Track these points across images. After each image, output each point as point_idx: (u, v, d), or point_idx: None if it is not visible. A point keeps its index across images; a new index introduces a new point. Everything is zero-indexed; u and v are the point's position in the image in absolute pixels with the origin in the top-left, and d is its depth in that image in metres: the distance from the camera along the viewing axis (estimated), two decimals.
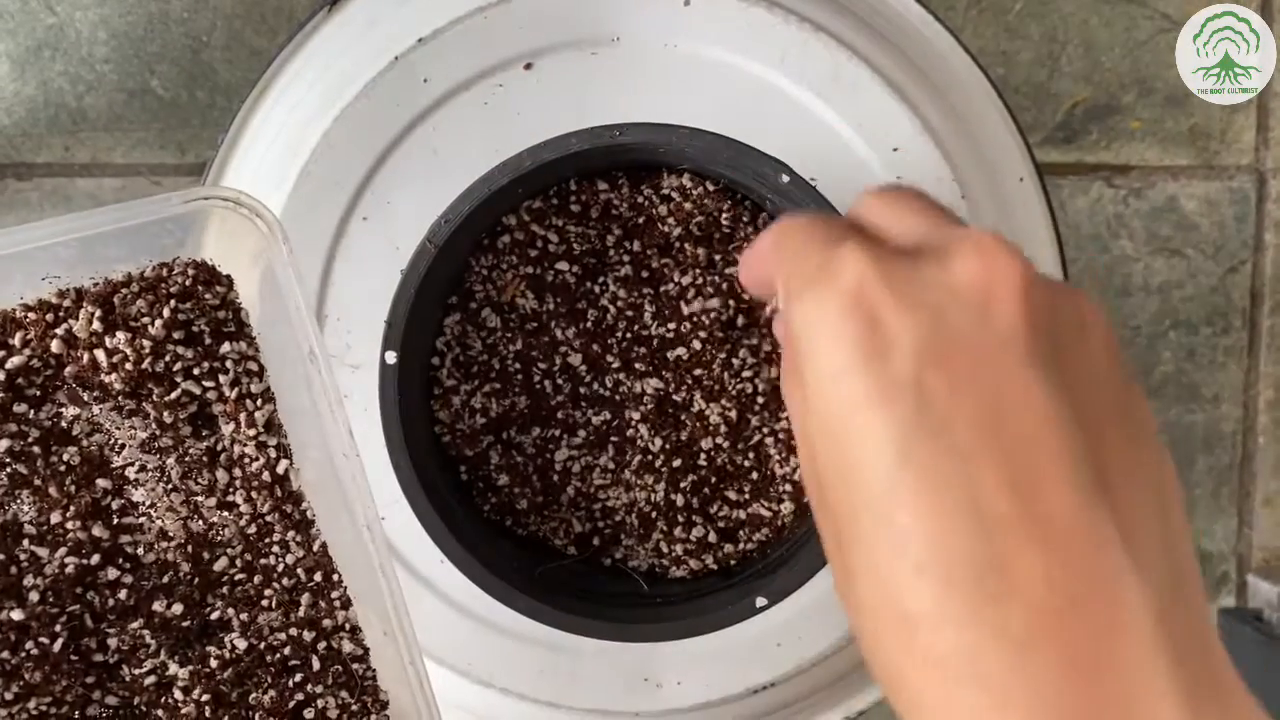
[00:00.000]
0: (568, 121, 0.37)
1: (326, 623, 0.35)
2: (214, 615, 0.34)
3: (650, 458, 0.41)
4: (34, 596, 0.33)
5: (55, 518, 0.33)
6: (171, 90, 0.54)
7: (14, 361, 0.33)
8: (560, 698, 0.40)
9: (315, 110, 0.40)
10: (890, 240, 0.24)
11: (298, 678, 0.34)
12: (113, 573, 0.34)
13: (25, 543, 0.33)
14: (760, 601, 0.37)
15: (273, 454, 0.34)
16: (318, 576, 0.35)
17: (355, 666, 0.35)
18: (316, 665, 0.34)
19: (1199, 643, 0.21)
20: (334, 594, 0.35)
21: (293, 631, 0.34)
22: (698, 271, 0.40)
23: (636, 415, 0.41)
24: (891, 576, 0.20)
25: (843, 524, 0.22)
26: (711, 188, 0.40)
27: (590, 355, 0.41)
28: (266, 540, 0.34)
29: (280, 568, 0.35)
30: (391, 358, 0.37)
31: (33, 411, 0.33)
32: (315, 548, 0.35)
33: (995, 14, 0.56)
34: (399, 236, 0.39)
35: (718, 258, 0.41)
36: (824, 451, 0.22)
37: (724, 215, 0.41)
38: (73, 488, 0.33)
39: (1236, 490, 0.60)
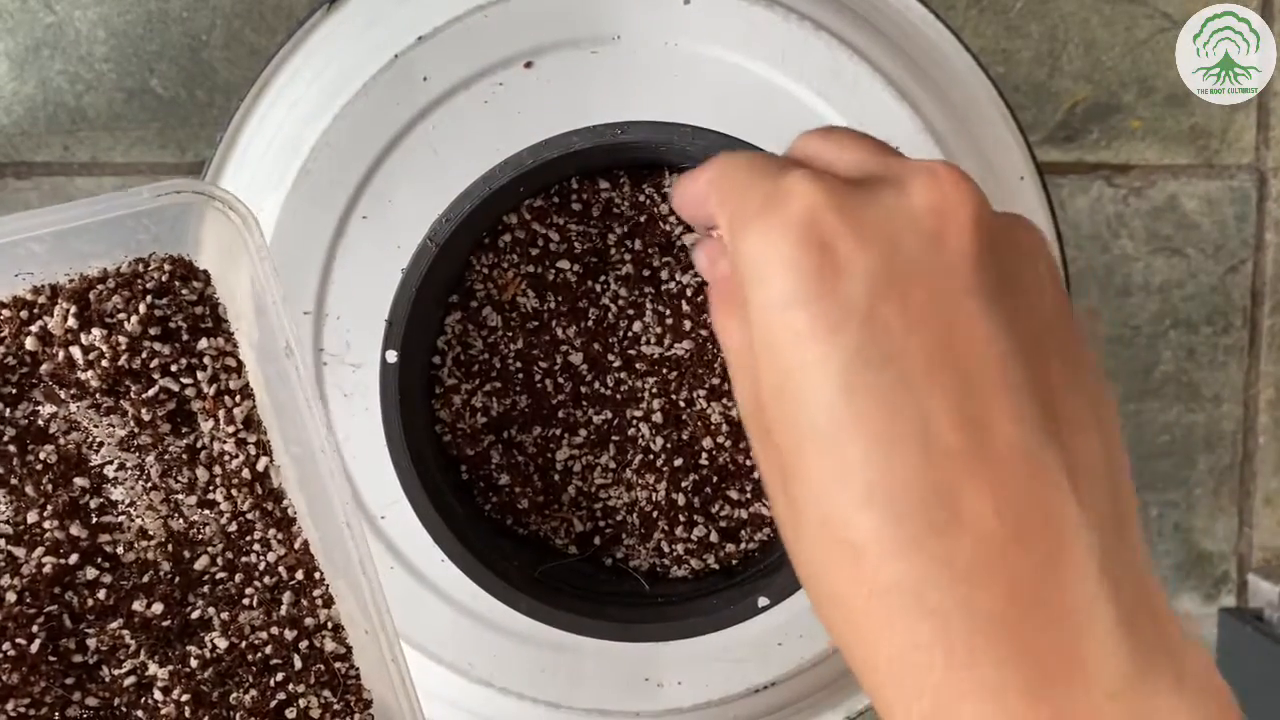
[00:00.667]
0: (568, 120, 0.37)
1: (309, 621, 0.34)
2: (194, 614, 0.34)
3: (651, 457, 0.41)
4: (10, 597, 0.33)
5: (32, 517, 0.33)
6: (171, 89, 0.53)
7: None
8: (561, 697, 0.40)
9: (315, 109, 0.40)
10: (837, 172, 0.23)
11: (279, 677, 0.34)
12: (91, 572, 0.33)
13: (1, 543, 0.33)
14: (762, 601, 0.37)
15: (252, 451, 0.34)
16: (299, 575, 0.34)
17: (338, 665, 0.34)
18: (298, 664, 0.34)
19: (1139, 580, 0.21)
20: (316, 592, 0.35)
21: (274, 630, 0.34)
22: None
23: (638, 414, 0.41)
24: (837, 507, 0.20)
25: (788, 456, 0.21)
26: None
27: (591, 354, 0.41)
28: (247, 538, 0.34)
29: (261, 566, 0.34)
30: (392, 357, 0.37)
31: (8, 410, 0.33)
32: (296, 545, 0.34)
33: (995, 13, 0.56)
34: (399, 235, 0.39)
35: None
36: (771, 383, 0.21)
37: None
38: (50, 486, 0.33)
39: (1237, 490, 0.60)
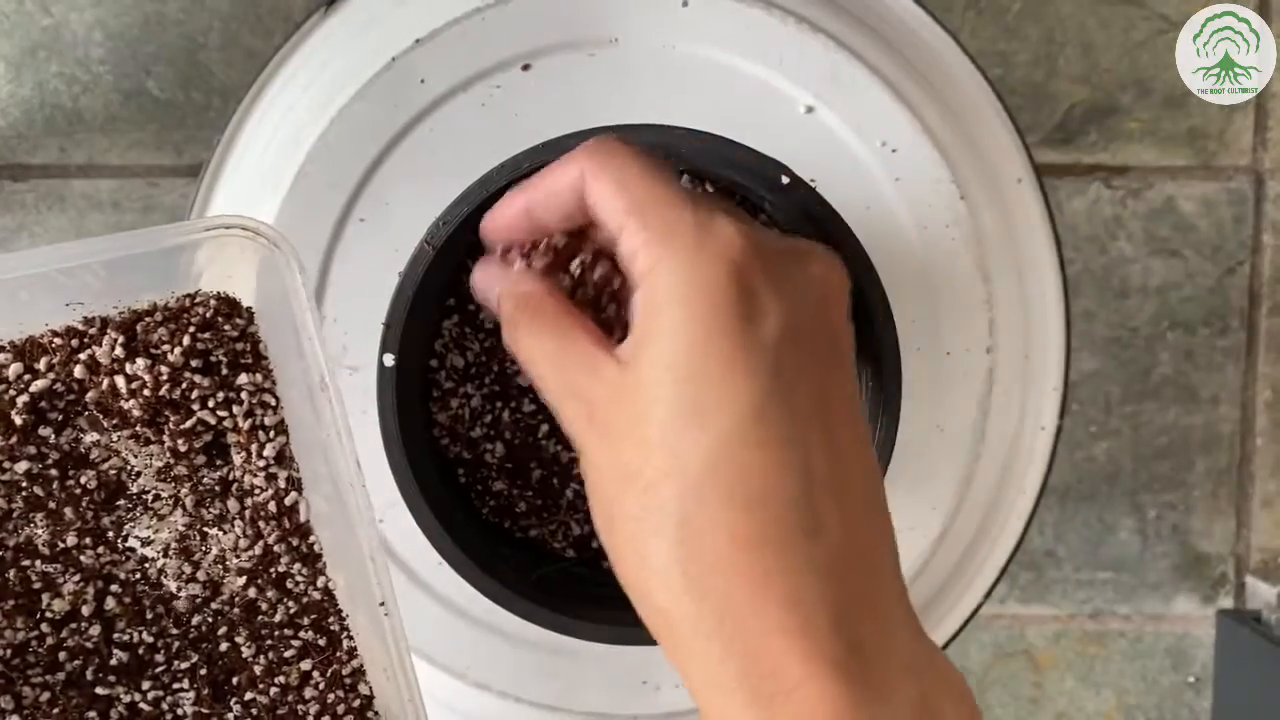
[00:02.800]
0: (566, 123, 0.37)
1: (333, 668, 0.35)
2: (223, 646, 0.35)
3: None
4: (45, 621, 0.33)
5: (70, 540, 0.34)
6: (168, 91, 0.53)
7: (38, 385, 0.33)
8: (558, 701, 0.40)
9: (312, 111, 0.40)
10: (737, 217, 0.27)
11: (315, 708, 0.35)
12: (120, 602, 0.34)
13: (38, 564, 0.33)
14: None
15: (282, 486, 0.34)
16: (321, 617, 0.35)
17: (354, 699, 0.35)
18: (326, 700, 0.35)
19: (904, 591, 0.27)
20: (341, 634, 0.35)
21: (301, 665, 0.35)
22: None
23: None
24: (722, 508, 0.24)
25: (661, 458, 0.25)
26: (710, 189, 0.40)
27: None
28: (271, 571, 0.35)
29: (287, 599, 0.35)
30: (390, 360, 0.37)
31: (54, 435, 0.33)
32: (319, 583, 0.35)
33: (993, 15, 0.56)
34: (397, 238, 0.39)
35: None
36: (672, 395, 0.25)
37: None
38: (88, 512, 0.34)
39: (1235, 491, 0.60)
